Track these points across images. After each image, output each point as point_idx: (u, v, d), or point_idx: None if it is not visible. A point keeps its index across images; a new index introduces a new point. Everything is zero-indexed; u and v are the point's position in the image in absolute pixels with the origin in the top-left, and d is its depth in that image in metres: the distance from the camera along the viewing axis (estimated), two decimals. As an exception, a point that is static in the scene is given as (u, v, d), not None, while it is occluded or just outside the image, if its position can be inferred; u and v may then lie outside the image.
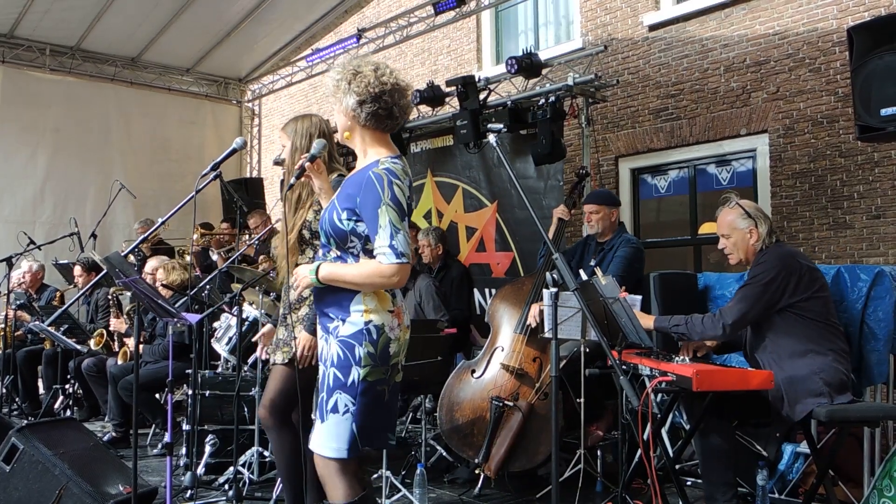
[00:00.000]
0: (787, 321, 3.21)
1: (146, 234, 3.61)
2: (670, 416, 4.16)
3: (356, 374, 2.35)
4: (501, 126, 5.25)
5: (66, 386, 6.42)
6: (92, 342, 6.00)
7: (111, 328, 5.92)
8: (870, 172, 5.36)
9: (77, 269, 6.88)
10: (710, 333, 3.30)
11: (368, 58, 2.52)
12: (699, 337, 3.35)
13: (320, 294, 2.49)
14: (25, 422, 4.65)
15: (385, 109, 2.43)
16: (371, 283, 2.36)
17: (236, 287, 4.57)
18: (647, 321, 3.42)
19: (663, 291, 4.12)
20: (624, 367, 3.17)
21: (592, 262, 4.49)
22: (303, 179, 2.74)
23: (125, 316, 5.94)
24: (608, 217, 4.63)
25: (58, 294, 7.43)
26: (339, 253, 2.46)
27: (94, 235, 8.02)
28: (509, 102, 5.98)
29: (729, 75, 6.12)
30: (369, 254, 2.40)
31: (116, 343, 5.93)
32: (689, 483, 4.18)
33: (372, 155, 2.47)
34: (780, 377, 3.11)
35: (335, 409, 2.36)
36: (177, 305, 4.11)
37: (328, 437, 2.37)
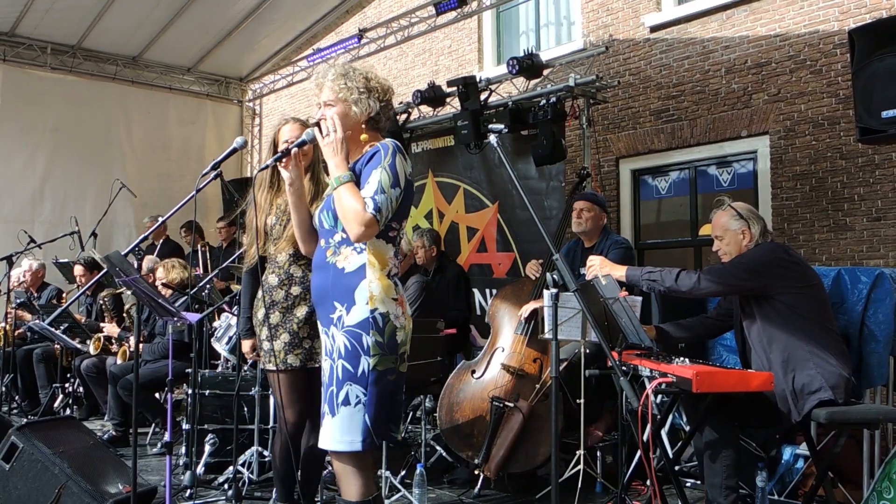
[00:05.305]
0: (786, 318, 3.20)
1: (146, 234, 3.60)
2: (670, 417, 4.16)
3: (366, 363, 2.31)
4: (502, 126, 5.23)
5: (66, 385, 6.42)
6: (91, 347, 5.99)
7: (106, 332, 5.90)
8: (870, 175, 5.36)
9: (78, 269, 6.83)
10: (684, 283, 3.30)
11: (355, 64, 2.61)
12: (670, 286, 3.33)
13: (322, 284, 2.45)
14: (25, 420, 4.66)
15: (394, 113, 2.60)
16: (345, 214, 2.32)
17: (236, 287, 4.57)
18: (619, 270, 3.43)
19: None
20: (624, 368, 3.17)
21: (583, 271, 4.45)
22: (280, 165, 2.57)
23: (125, 314, 5.93)
24: (598, 219, 4.63)
25: (65, 294, 7.42)
26: (344, 235, 2.40)
27: (94, 234, 8.03)
28: (510, 103, 5.98)
29: (730, 77, 6.12)
30: (384, 237, 2.41)
31: (115, 344, 5.92)
32: (688, 484, 4.18)
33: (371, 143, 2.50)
34: (780, 378, 3.11)
35: (346, 402, 2.32)
36: (177, 304, 4.11)
37: (341, 431, 2.32)
